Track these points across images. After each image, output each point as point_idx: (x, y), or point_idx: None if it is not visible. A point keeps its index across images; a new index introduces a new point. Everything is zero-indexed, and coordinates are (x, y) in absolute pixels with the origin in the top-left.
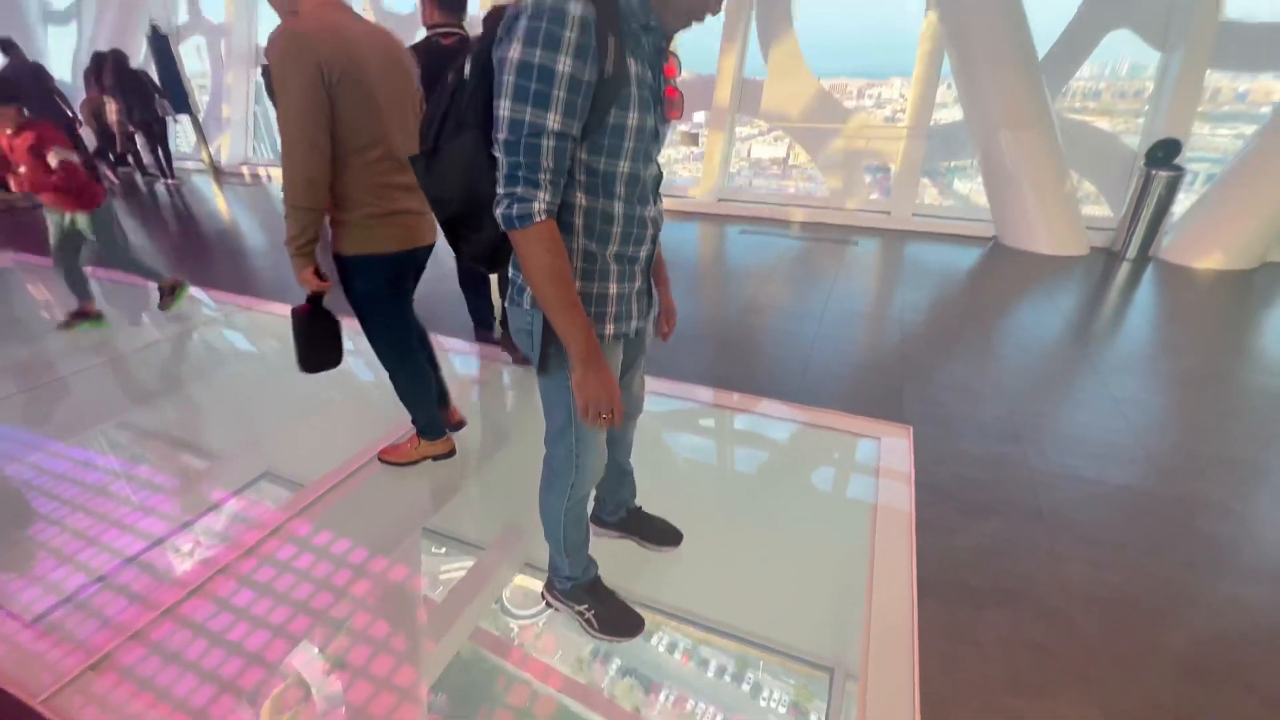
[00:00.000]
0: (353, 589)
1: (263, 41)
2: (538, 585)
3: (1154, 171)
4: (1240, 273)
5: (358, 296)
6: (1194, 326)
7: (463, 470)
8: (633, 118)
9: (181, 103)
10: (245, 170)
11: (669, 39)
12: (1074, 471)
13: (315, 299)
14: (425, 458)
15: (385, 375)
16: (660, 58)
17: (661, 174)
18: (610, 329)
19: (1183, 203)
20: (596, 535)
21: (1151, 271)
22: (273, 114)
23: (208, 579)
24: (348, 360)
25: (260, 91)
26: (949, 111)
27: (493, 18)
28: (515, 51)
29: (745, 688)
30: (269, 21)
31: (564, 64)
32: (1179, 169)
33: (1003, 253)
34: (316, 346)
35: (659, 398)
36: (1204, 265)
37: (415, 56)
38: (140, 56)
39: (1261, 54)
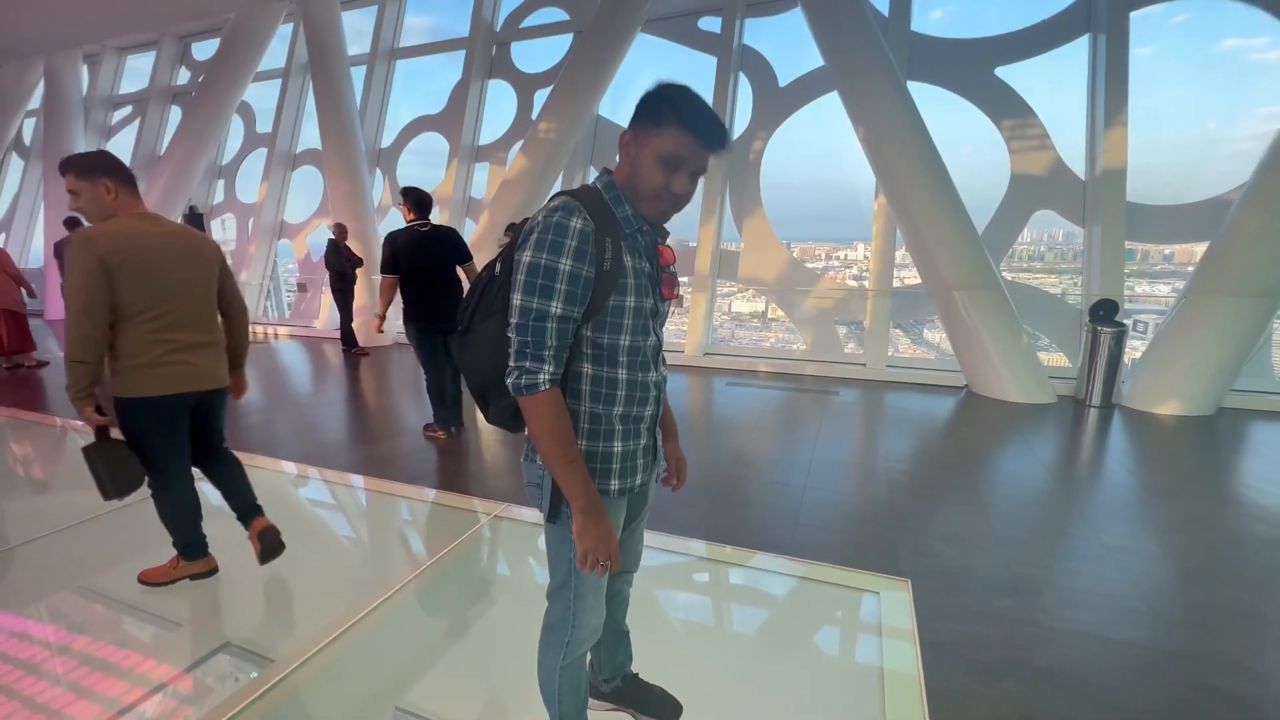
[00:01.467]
0: None
1: (289, 218)
2: None
3: (1099, 328)
4: (1201, 418)
5: (128, 431)
6: (1168, 472)
7: (442, 641)
8: (630, 300)
9: None
10: (255, 328)
11: (664, 235)
12: (1078, 626)
13: (101, 432)
14: (184, 577)
15: (357, 542)
16: (655, 250)
17: (661, 343)
18: (615, 484)
19: (1139, 349)
20: (592, 709)
21: (1117, 418)
22: (283, 279)
23: None
24: (323, 527)
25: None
26: (911, 271)
27: (516, 228)
28: (527, 255)
29: None
30: (295, 202)
31: (565, 264)
32: (1121, 324)
33: (976, 401)
34: (115, 472)
35: (653, 551)
36: (1164, 411)
37: (398, 242)
38: None
39: (1166, 228)
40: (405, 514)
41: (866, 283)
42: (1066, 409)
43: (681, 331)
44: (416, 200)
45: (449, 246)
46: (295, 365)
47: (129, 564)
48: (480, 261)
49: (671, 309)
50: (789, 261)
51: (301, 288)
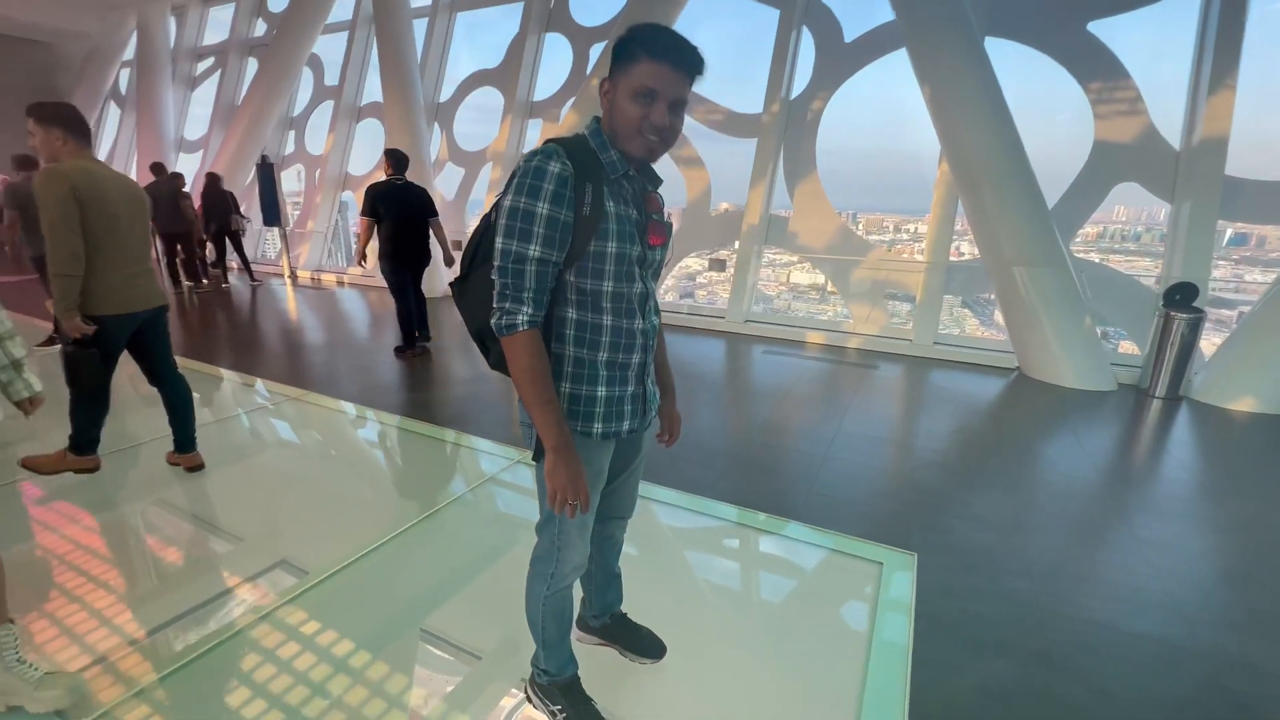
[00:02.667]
0: (330, 685)
1: (353, 170)
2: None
3: (1172, 313)
4: (1277, 417)
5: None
6: (1228, 470)
7: (470, 571)
8: (612, 246)
9: (273, 217)
10: (318, 275)
11: (655, 182)
12: (1089, 615)
13: (81, 340)
14: (69, 469)
15: (399, 474)
16: (644, 198)
17: (650, 292)
18: (599, 428)
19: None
20: (580, 640)
21: (1182, 411)
22: (350, 227)
23: (191, 659)
24: (376, 459)
25: (344, 208)
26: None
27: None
28: (507, 200)
29: None
30: (359, 154)
31: (543, 208)
32: (1199, 311)
33: (1026, 384)
34: (86, 373)
35: (659, 505)
36: (1237, 407)
37: (378, 192)
38: (248, 180)
39: (1266, 208)
40: (442, 452)
41: (907, 255)
42: (1126, 398)
43: (720, 297)
44: (396, 159)
45: (418, 201)
46: (345, 311)
47: (209, 478)
48: None
49: (666, 258)
50: (840, 230)
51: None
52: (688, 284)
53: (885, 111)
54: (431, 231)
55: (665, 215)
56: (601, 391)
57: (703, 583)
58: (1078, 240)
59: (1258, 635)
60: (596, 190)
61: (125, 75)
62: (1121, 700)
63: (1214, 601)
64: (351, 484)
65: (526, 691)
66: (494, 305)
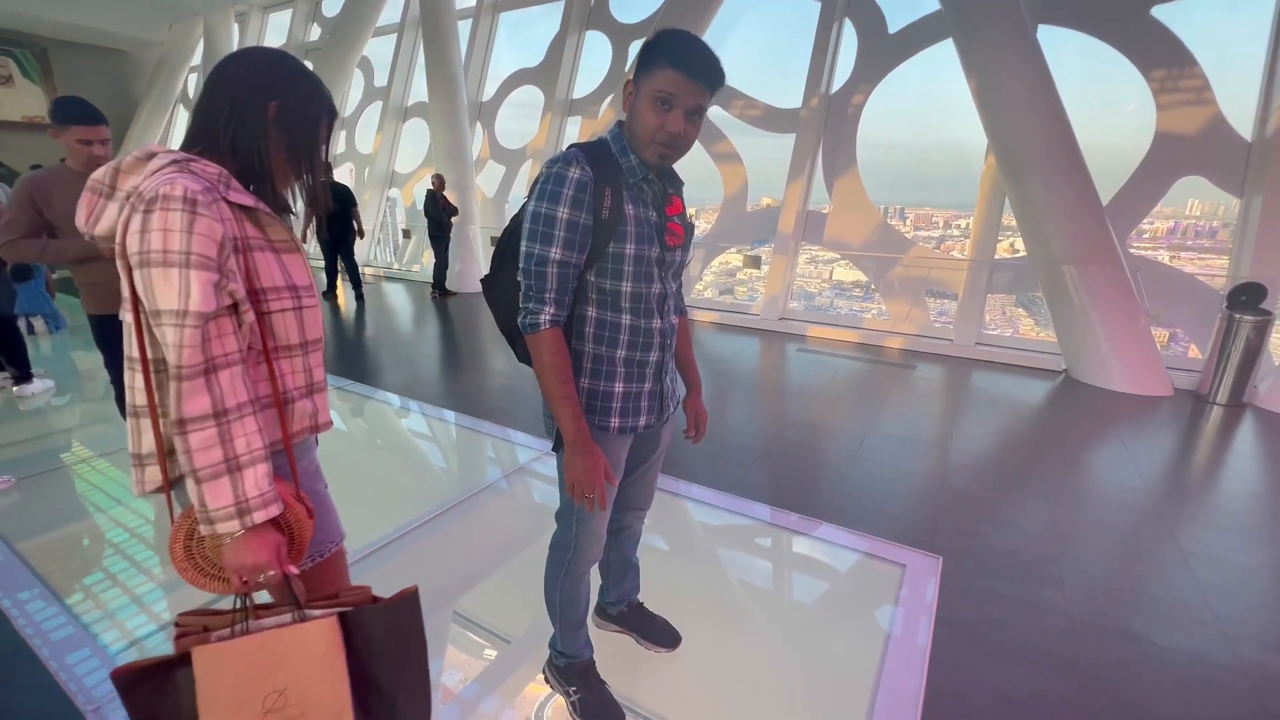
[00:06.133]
0: None
1: (399, 168)
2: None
3: (1237, 315)
4: None
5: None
6: None
7: (502, 556)
8: (630, 248)
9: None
10: (364, 270)
11: (678, 186)
12: (1121, 626)
13: None
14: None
15: (437, 460)
16: (664, 202)
17: (669, 293)
18: (616, 422)
19: None
20: (597, 627)
21: (1244, 419)
22: (397, 223)
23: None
24: (413, 446)
25: (392, 207)
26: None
27: None
28: (530, 204)
29: None
30: (405, 153)
31: (563, 212)
32: (1266, 313)
33: (1073, 387)
34: None
35: (679, 498)
36: None
37: None
38: None
39: None
40: (476, 441)
41: (957, 252)
42: (1183, 404)
43: (761, 295)
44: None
45: (342, 196)
46: (387, 306)
47: None
48: None
49: (689, 259)
50: (880, 226)
51: (406, 234)
52: (727, 280)
53: (931, 104)
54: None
55: (687, 217)
56: (619, 388)
57: (722, 577)
58: (1144, 237)
59: None
60: (616, 194)
61: (194, 80)
62: (1150, 715)
63: (1260, 619)
64: (388, 469)
65: (544, 672)
66: (520, 305)
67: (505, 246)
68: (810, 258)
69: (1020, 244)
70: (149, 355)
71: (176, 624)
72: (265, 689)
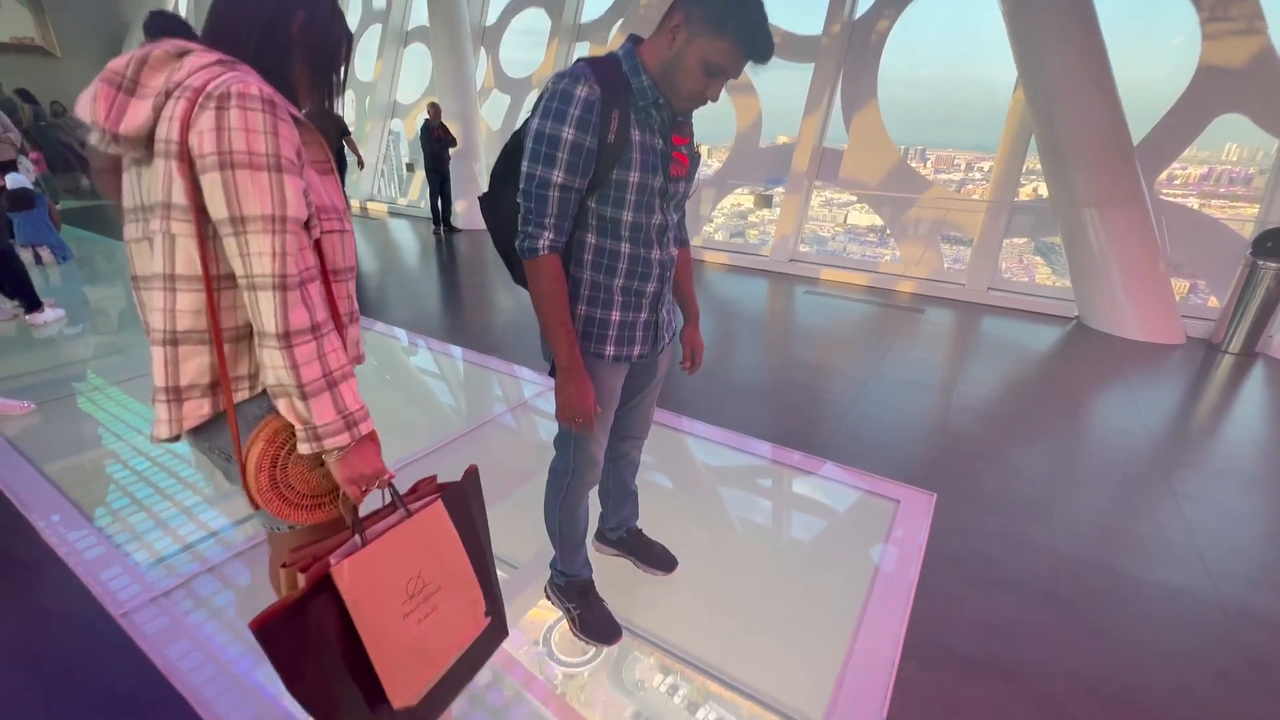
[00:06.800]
0: None
1: (401, 97)
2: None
3: (1261, 262)
4: None
5: None
6: None
7: (515, 482)
8: (634, 176)
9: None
10: (366, 206)
11: (683, 111)
12: (1106, 562)
13: None
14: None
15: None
16: (671, 128)
17: (669, 224)
18: (611, 350)
19: None
20: (597, 551)
21: (1256, 369)
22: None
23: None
24: (420, 380)
25: (396, 140)
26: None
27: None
28: (534, 122)
29: None
30: (407, 82)
31: (568, 133)
32: None
33: (1084, 334)
34: None
35: (682, 435)
36: None
37: None
38: None
39: None
40: (483, 376)
41: (978, 196)
42: (1194, 352)
43: (774, 238)
44: None
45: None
46: (390, 242)
47: None
48: None
49: (693, 191)
50: (899, 166)
51: (409, 168)
52: (738, 223)
53: (959, 36)
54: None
55: (694, 147)
56: (616, 316)
57: (720, 509)
58: (1174, 182)
59: None
60: (624, 117)
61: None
62: (1123, 643)
63: (1247, 559)
64: (394, 402)
65: (546, 590)
66: (519, 228)
67: (505, 165)
68: (825, 200)
69: (1043, 189)
70: (212, 271)
71: (285, 566)
72: (405, 579)
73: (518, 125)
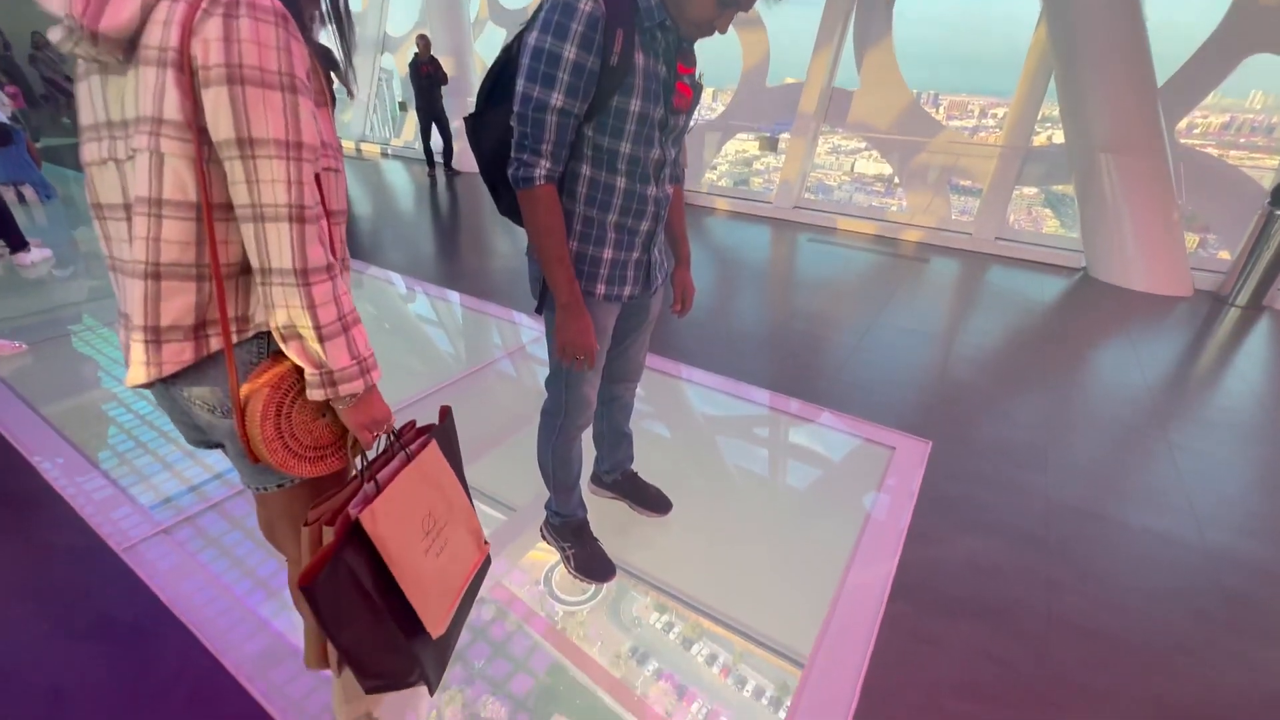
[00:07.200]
0: None
1: (391, 30)
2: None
3: (1277, 212)
4: None
5: None
6: None
7: (512, 427)
8: (635, 104)
9: None
10: (359, 146)
11: (689, 37)
12: (1096, 508)
13: None
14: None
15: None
16: (676, 55)
17: (667, 160)
18: (601, 289)
19: None
20: (593, 493)
21: (1261, 321)
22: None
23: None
24: (417, 326)
25: (389, 78)
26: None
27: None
28: (533, 37)
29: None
30: (397, 8)
31: (570, 51)
32: None
33: (1090, 285)
34: None
35: (679, 382)
36: None
37: None
38: None
39: None
40: (480, 321)
41: (990, 137)
42: (1200, 305)
43: (777, 184)
44: None
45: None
46: (383, 184)
47: None
48: None
49: (692, 126)
50: (910, 109)
51: (402, 107)
52: (743, 170)
53: None
54: None
55: (697, 78)
56: (608, 254)
57: (716, 455)
58: (1194, 131)
59: (1274, 543)
60: (628, 38)
61: None
62: (1107, 584)
63: (1236, 509)
64: (389, 347)
65: (541, 531)
66: (512, 155)
67: (495, 83)
68: (832, 147)
69: (1058, 136)
70: (211, 200)
71: (308, 523)
72: (419, 517)
73: (509, 40)
